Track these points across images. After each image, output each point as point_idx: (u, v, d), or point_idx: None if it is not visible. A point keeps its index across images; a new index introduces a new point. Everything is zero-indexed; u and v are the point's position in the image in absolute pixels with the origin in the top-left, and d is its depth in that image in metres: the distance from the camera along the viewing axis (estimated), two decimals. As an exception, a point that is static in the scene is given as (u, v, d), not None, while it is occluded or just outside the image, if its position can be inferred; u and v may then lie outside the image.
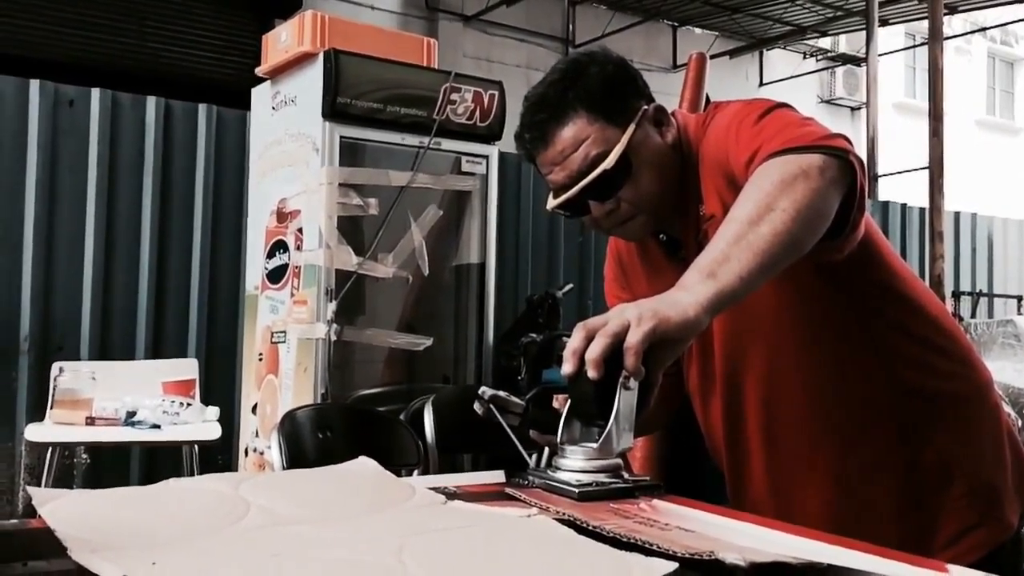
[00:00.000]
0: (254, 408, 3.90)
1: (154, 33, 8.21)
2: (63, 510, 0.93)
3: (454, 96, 3.79)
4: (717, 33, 11.66)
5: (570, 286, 4.88)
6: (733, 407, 1.43)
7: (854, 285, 1.35)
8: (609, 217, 1.39)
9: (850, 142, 1.23)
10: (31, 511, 0.95)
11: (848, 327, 1.37)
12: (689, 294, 1.08)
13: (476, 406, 1.27)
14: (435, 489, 1.12)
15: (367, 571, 0.80)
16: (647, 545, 0.85)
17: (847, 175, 1.19)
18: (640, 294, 1.31)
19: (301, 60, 3.69)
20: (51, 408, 3.84)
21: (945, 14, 8.28)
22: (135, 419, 3.75)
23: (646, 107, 1.39)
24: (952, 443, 1.38)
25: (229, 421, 4.10)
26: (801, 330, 1.36)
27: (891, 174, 9.34)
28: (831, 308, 1.36)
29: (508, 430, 1.25)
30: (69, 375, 3.91)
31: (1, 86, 4.35)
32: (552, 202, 1.42)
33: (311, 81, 3.63)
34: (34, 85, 4.40)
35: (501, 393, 1.26)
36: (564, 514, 1.01)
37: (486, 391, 1.26)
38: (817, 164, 1.16)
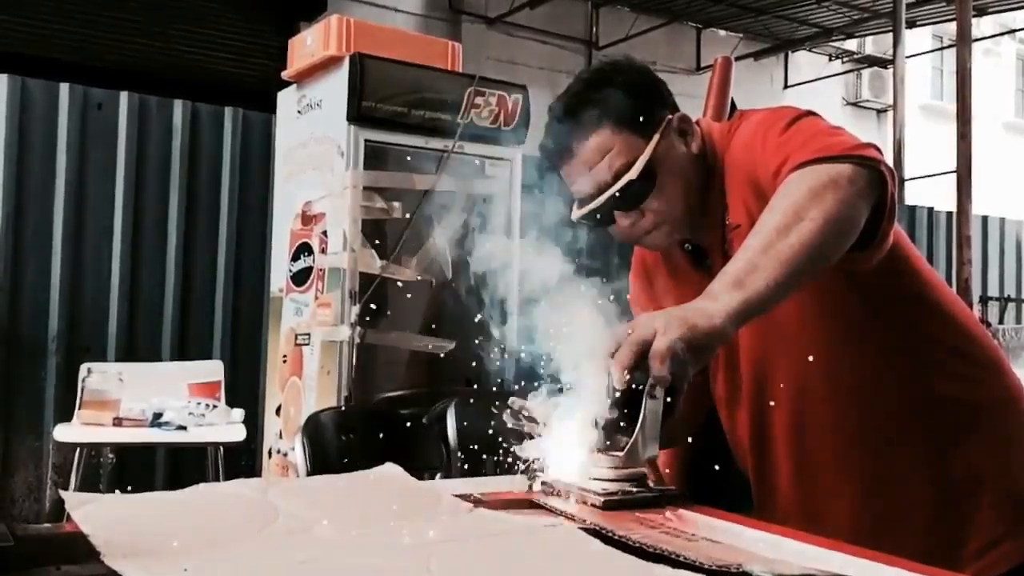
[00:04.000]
0: (278, 410, 3.92)
1: (179, 36, 8.28)
2: (96, 514, 0.94)
3: (478, 100, 3.80)
4: (742, 35, 11.57)
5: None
6: (760, 417, 1.42)
7: (882, 293, 1.34)
8: (634, 227, 1.39)
9: (880, 151, 1.22)
10: (58, 510, 0.97)
11: (876, 335, 1.36)
12: (716, 303, 1.08)
13: (507, 417, 1.26)
14: (461, 496, 1.12)
15: (395, 579, 0.80)
16: (674, 556, 0.85)
17: (877, 185, 1.18)
18: (665, 303, 1.31)
19: (326, 64, 3.71)
20: (79, 409, 3.88)
21: (974, 16, 8.15)
22: (161, 420, 3.78)
23: (670, 117, 1.39)
24: (982, 451, 1.36)
25: (253, 423, 4.13)
26: (828, 339, 1.35)
27: (918, 178, 9.24)
28: (858, 317, 1.35)
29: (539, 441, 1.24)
30: (97, 376, 3.95)
31: (31, 89, 4.41)
32: (577, 212, 1.42)
33: (336, 85, 3.65)
34: (63, 88, 4.46)
35: (530, 404, 1.25)
36: (590, 523, 1.01)
37: (516, 402, 1.26)
38: (847, 174, 1.16)
